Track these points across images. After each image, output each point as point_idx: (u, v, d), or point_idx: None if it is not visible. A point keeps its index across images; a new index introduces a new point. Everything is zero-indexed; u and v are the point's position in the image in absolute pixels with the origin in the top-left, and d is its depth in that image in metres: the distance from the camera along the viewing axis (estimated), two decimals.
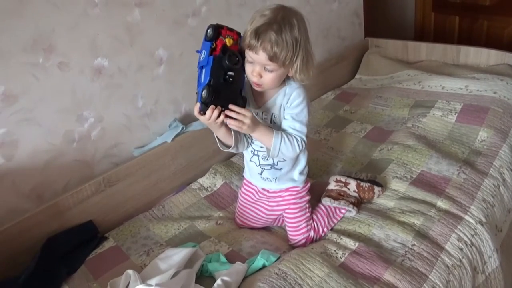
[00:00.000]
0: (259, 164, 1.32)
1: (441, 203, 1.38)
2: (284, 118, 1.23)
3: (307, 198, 1.38)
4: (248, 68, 1.14)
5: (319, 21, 2.30)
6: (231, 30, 1.15)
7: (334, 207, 1.40)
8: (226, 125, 1.15)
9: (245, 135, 1.27)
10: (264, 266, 1.20)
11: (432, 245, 1.23)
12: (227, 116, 1.10)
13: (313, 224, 1.35)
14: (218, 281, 1.10)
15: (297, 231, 1.35)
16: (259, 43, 1.06)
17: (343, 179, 1.46)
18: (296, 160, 1.32)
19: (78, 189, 1.39)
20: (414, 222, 1.31)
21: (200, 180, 1.66)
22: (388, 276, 1.13)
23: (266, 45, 1.06)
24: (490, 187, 1.46)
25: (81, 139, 1.44)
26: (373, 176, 1.56)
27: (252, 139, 1.29)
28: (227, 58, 1.09)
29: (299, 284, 1.10)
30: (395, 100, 2.11)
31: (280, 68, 1.12)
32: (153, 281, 1.06)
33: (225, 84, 1.10)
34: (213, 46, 1.10)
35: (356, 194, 1.43)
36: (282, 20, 1.07)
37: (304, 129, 1.22)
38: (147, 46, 1.55)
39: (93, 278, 1.24)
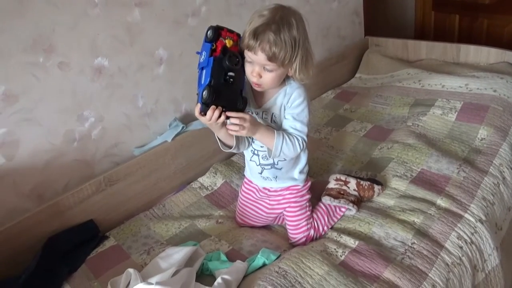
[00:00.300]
0: (259, 163, 1.32)
1: (441, 202, 1.38)
2: (285, 118, 1.23)
3: (308, 196, 1.38)
4: (248, 68, 1.14)
5: (319, 20, 2.30)
6: (231, 31, 1.15)
7: (334, 206, 1.40)
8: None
9: None
10: (264, 265, 1.20)
11: (432, 243, 1.23)
12: (227, 118, 1.10)
13: (313, 223, 1.36)
14: (219, 280, 1.10)
15: (297, 229, 1.35)
16: (258, 43, 1.06)
17: (343, 177, 1.46)
18: (296, 159, 1.33)
19: (79, 189, 1.40)
20: (414, 221, 1.31)
21: (200, 179, 1.67)
22: (388, 274, 1.14)
23: (265, 46, 1.06)
24: (490, 185, 1.46)
25: (82, 139, 1.44)
26: (373, 175, 1.56)
27: (252, 139, 1.29)
28: (227, 59, 1.09)
29: (299, 282, 1.10)
30: (395, 98, 2.11)
31: (280, 68, 1.12)
32: (153, 280, 1.06)
33: (226, 85, 1.11)
34: (213, 47, 1.10)
35: (356, 193, 1.44)
36: (281, 20, 1.07)
37: (305, 129, 1.22)
38: (147, 46, 1.55)
39: (94, 276, 1.24)
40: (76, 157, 1.44)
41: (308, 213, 1.36)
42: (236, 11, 1.83)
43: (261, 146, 1.28)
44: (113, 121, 1.52)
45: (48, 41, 1.28)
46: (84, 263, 1.30)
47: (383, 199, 1.45)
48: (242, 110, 1.14)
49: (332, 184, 1.47)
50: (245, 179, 1.45)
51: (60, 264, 1.27)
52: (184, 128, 1.67)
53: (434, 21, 3.03)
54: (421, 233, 1.27)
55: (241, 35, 1.14)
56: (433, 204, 1.38)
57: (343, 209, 1.40)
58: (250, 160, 1.34)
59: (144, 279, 1.10)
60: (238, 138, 1.24)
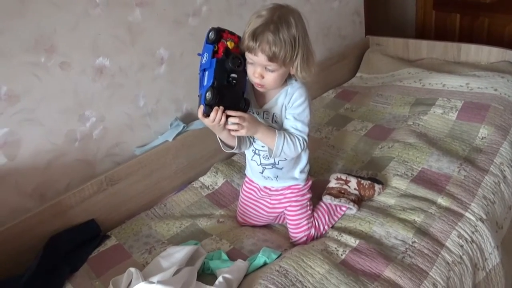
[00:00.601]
0: (260, 163, 1.32)
1: (442, 200, 1.38)
2: (286, 118, 1.23)
3: (309, 196, 1.38)
4: (250, 69, 1.14)
5: (320, 19, 2.30)
6: (232, 33, 1.15)
7: (335, 205, 1.40)
8: None
9: None
10: (265, 264, 1.20)
11: (432, 242, 1.23)
12: (227, 118, 1.11)
13: (314, 222, 1.36)
14: (220, 279, 1.10)
15: (298, 228, 1.35)
16: (257, 44, 1.06)
17: (343, 177, 1.47)
18: (297, 159, 1.33)
19: (80, 188, 1.40)
20: (414, 219, 1.32)
21: (201, 179, 1.67)
22: (389, 273, 1.14)
23: (265, 46, 1.06)
24: (490, 184, 1.47)
25: (83, 139, 1.45)
26: (373, 174, 1.56)
27: (254, 139, 1.29)
28: (230, 60, 1.09)
29: (300, 281, 1.11)
30: (396, 98, 2.11)
31: (281, 67, 1.12)
32: (155, 279, 1.07)
33: (228, 87, 1.11)
34: (215, 49, 1.10)
35: (356, 192, 1.44)
36: (279, 20, 1.07)
37: (306, 129, 1.22)
38: (148, 46, 1.55)
39: (95, 276, 1.25)
40: (78, 157, 1.45)
41: (309, 212, 1.36)
42: (236, 10, 1.83)
43: (262, 146, 1.28)
44: (114, 121, 1.52)
45: (49, 41, 1.29)
46: (86, 263, 1.30)
47: (384, 198, 1.45)
48: (245, 111, 1.14)
49: (333, 183, 1.47)
50: (246, 179, 1.46)
51: (62, 263, 1.27)
52: (185, 127, 1.68)
53: (435, 20, 3.02)
54: (421, 232, 1.27)
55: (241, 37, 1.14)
56: (433, 203, 1.38)
57: (343, 208, 1.40)
58: (251, 159, 1.34)
59: (146, 278, 1.10)
60: (239, 139, 1.24)
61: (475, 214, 1.34)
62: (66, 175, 1.43)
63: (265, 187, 1.39)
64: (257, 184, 1.40)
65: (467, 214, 1.34)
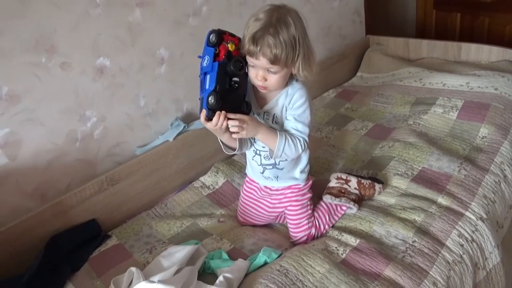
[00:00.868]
0: (261, 163, 1.32)
1: (442, 200, 1.39)
2: (286, 119, 1.23)
3: (309, 195, 1.39)
4: (252, 72, 1.13)
5: (320, 19, 2.30)
6: (232, 35, 1.14)
7: (335, 204, 1.40)
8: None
9: None
10: (266, 263, 1.21)
11: (433, 241, 1.24)
12: (229, 119, 1.10)
13: (314, 221, 1.36)
14: (220, 278, 1.11)
15: (298, 228, 1.35)
16: (258, 48, 1.06)
17: (344, 176, 1.47)
18: (297, 159, 1.33)
19: (81, 188, 1.41)
20: (415, 219, 1.32)
21: (202, 178, 1.67)
22: (389, 272, 1.14)
23: (265, 50, 1.06)
24: (491, 183, 1.47)
25: (84, 139, 1.45)
26: (374, 173, 1.56)
27: (254, 139, 1.29)
28: (232, 64, 1.09)
29: (300, 281, 1.11)
30: (396, 97, 2.12)
31: (283, 68, 1.11)
32: (155, 278, 1.07)
33: (230, 90, 1.10)
34: (216, 52, 1.09)
35: (357, 191, 1.44)
36: (277, 22, 1.06)
37: (307, 130, 1.22)
38: (148, 46, 1.55)
39: (96, 275, 1.25)
40: (79, 157, 1.45)
41: (309, 211, 1.37)
42: (237, 10, 1.83)
43: (263, 146, 1.28)
44: (115, 121, 1.52)
45: (50, 42, 1.29)
46: (87, 262, 1.30)
47: (384, 198, 1.45)
48: (246, 114, 1.14)
49: (333, 183, 1.47)
50: (246, 178, 1.46)
51: (63, 263, 1.28)
52: (186, 127, 1.68)
53: (435, 20, 3.02)
54: (422, 231, 1.27)
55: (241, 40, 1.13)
56: (434, 202, 1.38)
57: (344, 208, 1.40)
58: (252, 159, 1.35)
59: (147, 277, 1.11)
60: (240, 140, 1.24)
61: (475, 214, 1.34)
62: (67, 175, 1.43)
63: (265, 187, 1.39)
64: (258, 184, 1.41)
65: (467, 213, 1.34)
